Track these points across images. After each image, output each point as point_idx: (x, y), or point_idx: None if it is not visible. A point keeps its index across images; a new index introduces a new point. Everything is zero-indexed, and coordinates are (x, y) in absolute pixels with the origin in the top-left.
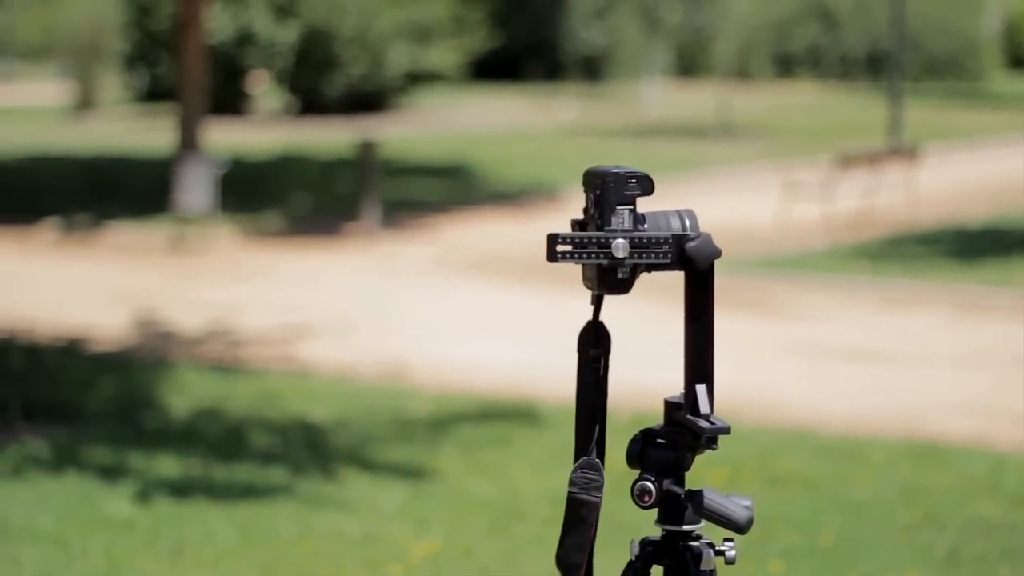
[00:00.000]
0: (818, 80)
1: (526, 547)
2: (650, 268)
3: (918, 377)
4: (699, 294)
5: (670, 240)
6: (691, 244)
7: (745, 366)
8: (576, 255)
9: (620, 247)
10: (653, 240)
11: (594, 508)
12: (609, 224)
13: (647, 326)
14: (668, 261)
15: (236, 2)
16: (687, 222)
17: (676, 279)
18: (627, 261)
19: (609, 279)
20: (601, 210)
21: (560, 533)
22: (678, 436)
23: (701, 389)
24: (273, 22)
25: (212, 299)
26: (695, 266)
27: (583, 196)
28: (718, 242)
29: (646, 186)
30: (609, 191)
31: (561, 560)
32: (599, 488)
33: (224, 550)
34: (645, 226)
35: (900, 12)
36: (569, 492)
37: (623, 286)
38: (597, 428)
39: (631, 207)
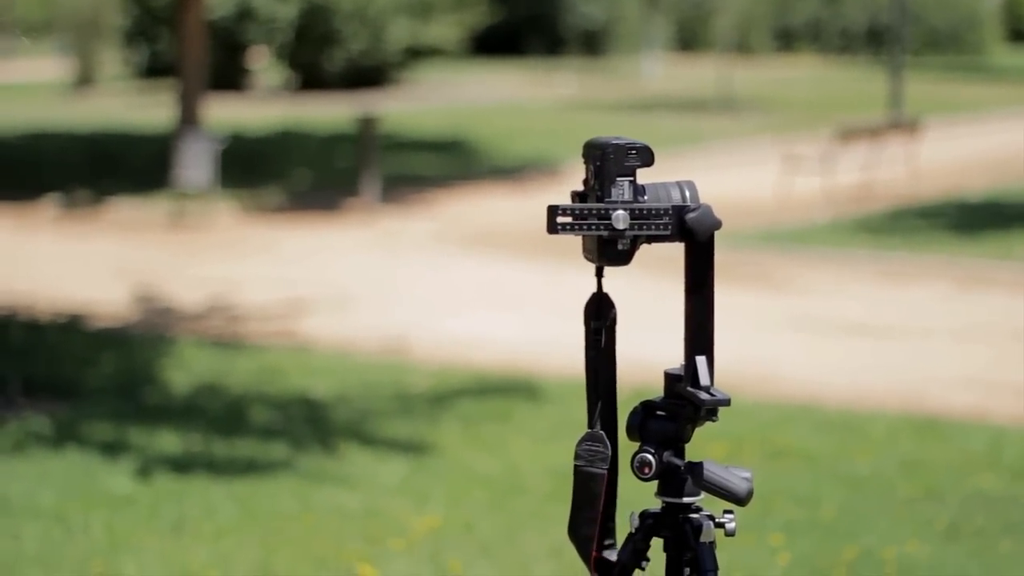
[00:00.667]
0: (819, 54)
1: (527, 522)
2: (650, 240)
3: (918, 351)
4: (699, 266)
5: (670, 211)
6: (691, 215)
7: (746, 340)
8: (576, 227)
9: (620, 218)
10: (653, 211)
11: (601, 480)
12: (609, 195)
13: (649, 298)
14: (668, 232)
15: None
16: (687, 193)
17: (679, 251)
18: (627, 232)
19: (609, 251)
20: (601, 181)
21: (570, 506)
22: (678, 408)
23: (701, 361)
24: None
25: (212, 275)
26: (695, 237)
27: (583, 169)
28: (718, 215)
29: (646, 157)
30: (609, 162)
31: (574, 533)
32: (605, 460)
33: (225, 526)
34: (645, 197)
35: None
36: (575, 465)
37: (623, 258)
38: (602, 400)
39: (631, 178)
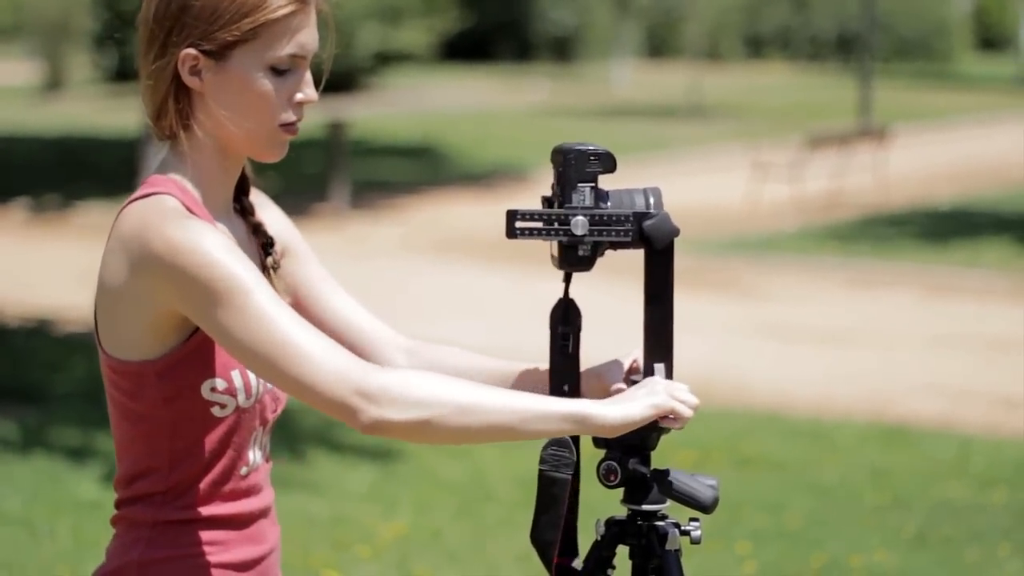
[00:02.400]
0: (788, 61)
1: (494, 529)
2: (613, 246)
3: (887, 359)
4: (658, 272)
5: (631, 218)
6: (649, 222)
7: (714, 347)
8: (536, 232)
9: (579, 224)
10: (614, 218)
11: (564, 484)
12: (570, 201)
13: (618, 305)
14: (629, 239)
15: None
16: (651, 200)
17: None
18: (586, 238)
19: (570, 256)
20: (563, 187)
21: (533, 511)
22: None
23: (659, 368)
24: None
25: None
26: (653, 244)
27: (552, 175)
28: (687, 223)
29: (608, 164)
30: (570, 168)
31: (536, 539)
32: (569, 465)
33: None
34: (607, 204)
35: None
36: (540, 470)
37: (584, 263)
38: None
39: (593, 184)
